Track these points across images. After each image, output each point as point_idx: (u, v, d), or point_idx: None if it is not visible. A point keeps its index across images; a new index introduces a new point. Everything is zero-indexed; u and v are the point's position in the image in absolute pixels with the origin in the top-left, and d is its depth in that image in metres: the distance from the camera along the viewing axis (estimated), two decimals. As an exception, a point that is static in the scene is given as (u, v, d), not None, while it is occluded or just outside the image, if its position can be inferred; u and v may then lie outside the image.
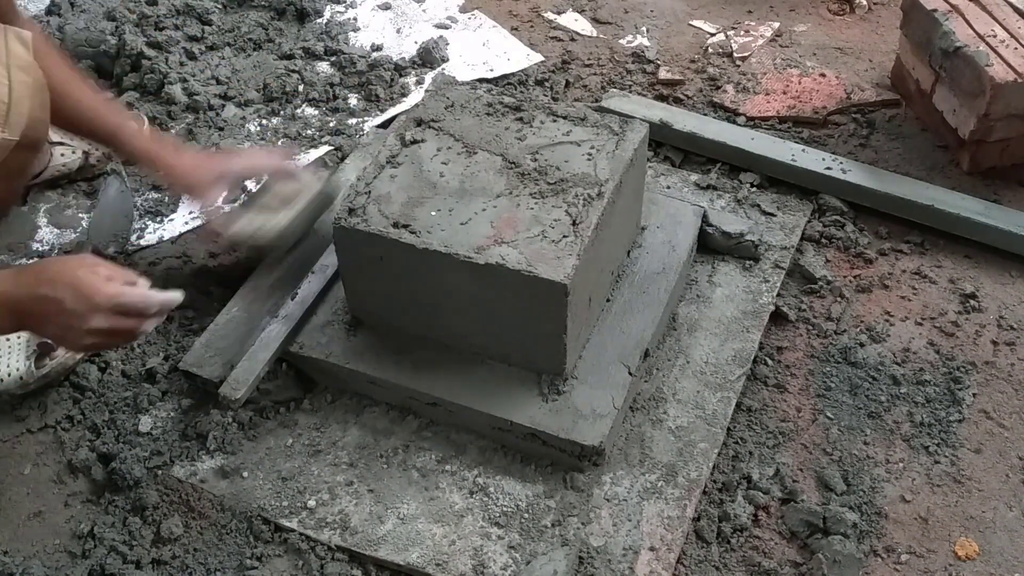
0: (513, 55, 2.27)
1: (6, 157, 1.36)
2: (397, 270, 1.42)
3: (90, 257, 1.38)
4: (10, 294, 1.26)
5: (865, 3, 2.42)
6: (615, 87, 2.16)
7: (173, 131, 2.08)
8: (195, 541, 1.42)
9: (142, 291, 1.31)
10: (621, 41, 2.33)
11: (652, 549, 1.37)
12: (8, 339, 1.58)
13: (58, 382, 1.60)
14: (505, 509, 1.42)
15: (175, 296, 1.33)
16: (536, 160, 1.47)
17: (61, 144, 1.90)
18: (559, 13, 2.43)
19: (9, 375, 1.56)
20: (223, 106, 2.14)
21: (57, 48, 1.60)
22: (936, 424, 1.54)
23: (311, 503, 1.44)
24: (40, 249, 1.85)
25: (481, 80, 2.19)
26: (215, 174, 1.62)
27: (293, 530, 1.41)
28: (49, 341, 1.54)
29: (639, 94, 2.14)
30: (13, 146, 1.35)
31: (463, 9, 2.44)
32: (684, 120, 2.00)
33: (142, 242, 1.86)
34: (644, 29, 2.36)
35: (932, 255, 1.81)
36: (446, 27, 2.38)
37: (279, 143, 2.06)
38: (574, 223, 1.38)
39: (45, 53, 1.47)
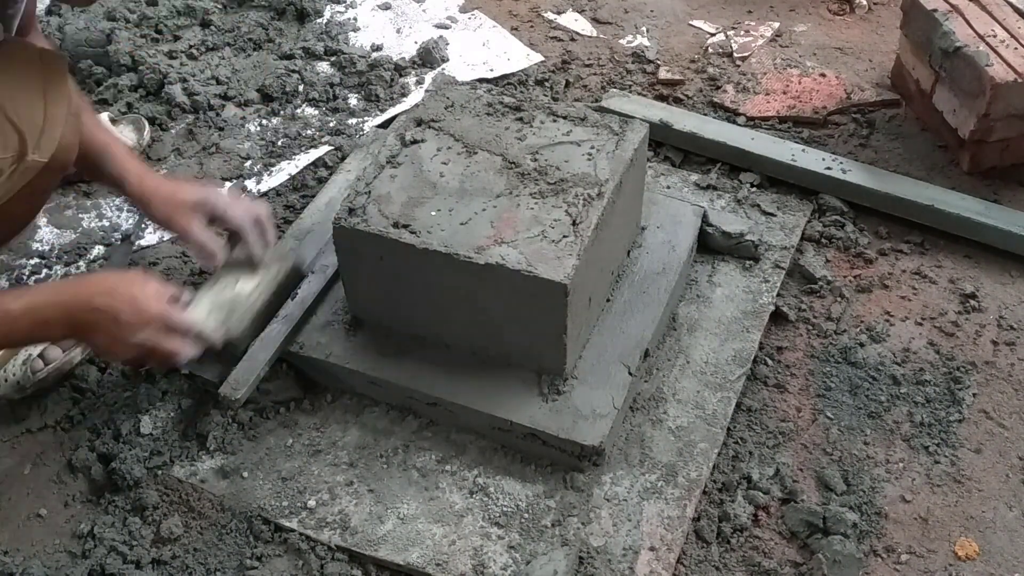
0: (513, 55, 2.27)
1: (32, 178, 1.34)
2: (397, 270, 1.42)
3: (141, 274, 1.44)
4: (69, 303, 1.34)
5: (865, 3, 2.42)
6: (615, 87, 2.16)
7: (173, 131, 2.08)
8: (195, 541, 1.42)
9: (186, 316, 1.42)
10: (621, 41, 2.33)
11: (652, 549, 1.37)
12: None
13: (55, 388, 1.60)
14: (505, 509, 1.42)
15: (214, 335, 1.45)
16: (536, 160, 1.47)
17: None
18: (559, 13, 2.43)
19: (6, 380, 1.56)
20: (223, 106, 2.14)
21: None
22: (936, 424, 1.54)
23: (311, 503, 1.44)
24: (40, 249, 1.85)
25: (481, 80, 2.19)
26: (192, 203, 1.54)
27: (293, 530, 1.41)
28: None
29: (639, 94, 2.14)
30: (41, 168, 1.34)
31: (463, 9, 2.44)
32: (684, 120, 2.00)
33: (142, 242, 1.86)
34: (644, 29, 2.36)
35: (932, 255, 1.81)
36: (446, 27, 2.38)
37: (279, 143, 2.06)
38: (574, 223, 1.38)
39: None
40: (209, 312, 1.48)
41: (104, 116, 1.99)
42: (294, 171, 1.99)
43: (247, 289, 1.51)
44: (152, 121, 2.08)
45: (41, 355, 1.57)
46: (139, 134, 2.00)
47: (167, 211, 1.54)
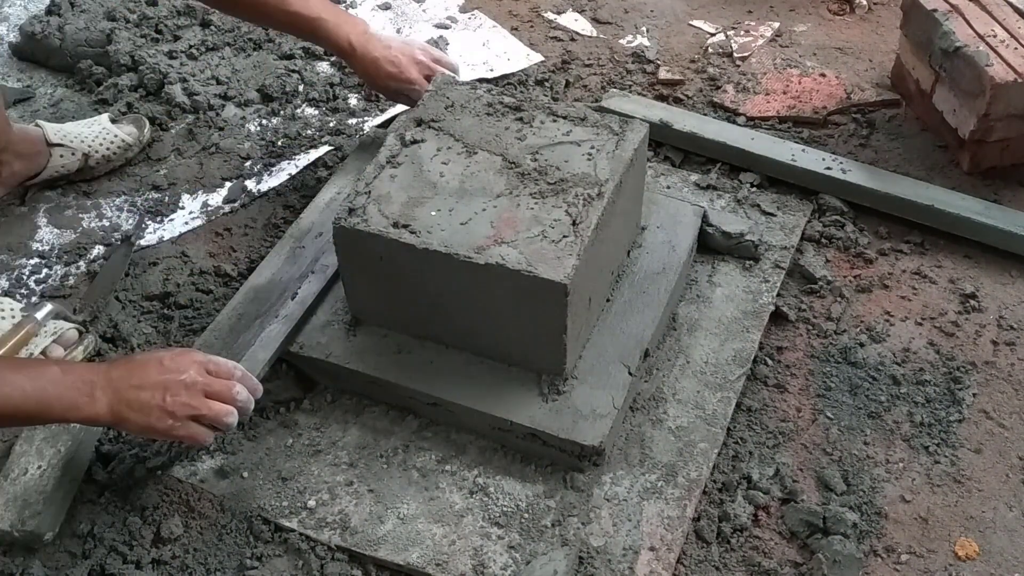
0: (513, 55, 2.27)
1: None
2: (397, 270, 1.42)
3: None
4: (107, 371, 1.30)
5: (865, 3, 2.42)
6: (615, 87, 2.16)
7: (173, 131, 2.08)
8: (195, 541, 1.42)
9: (227, 361, 1.37)
10: (621, 41, 2.33)
11: (652, 549, 1.37)
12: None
13: None
14: (505, 509, 1.42)
15: (255, 384, 1.39)
16: (536, 160, 1.47)
17: (60, 146, 1.90)
18: (559, 13, 2.43)
19: None
20: (223, 106, 2.14)
21: None
22: (936, 424, 1.54)
23: (311, 503, 1.44)
24: (40, 249, 1.85)
25: (481, 80, 2.18)
26: (415, 55, 1.73)
27: (293, 530, 1.41)
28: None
29: (639, 94, 2.14)
30: None
31: (463, 9, 2.44)
32: (684, 120, 2.00)
33: (142, 242, 1.86)
34: (644, 29, 2.36)
35: (932, 255, 1.81)
36: (446, 27, 2.38)
37: (279, 143, 2.06)
38: (574, 223, 1.38)
39: None
40: None
41: (104, 116, 1.99)
42: (294, 171, 1.99)
43: None
44: (152, 121, 2.08)
45: (43, 353, 1.57)
46: (140, 131, 2.01)
47: (391, 73, 1.72)
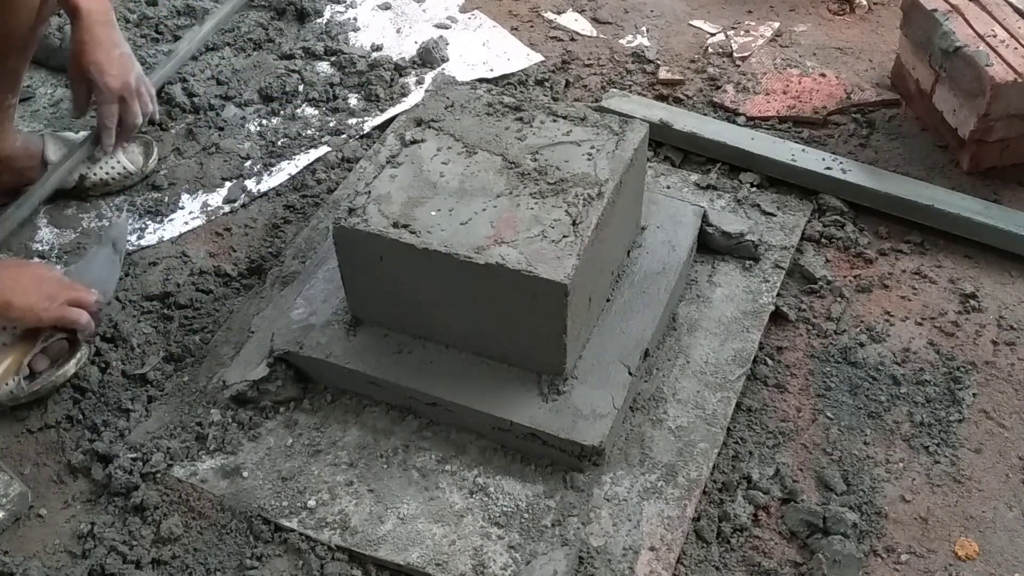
0: (513, 55, 2.27)
1: None
2: (397, 270, 1.42)
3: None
4: None
5: (865, 3, 2.42)
6: (615, 87, 2.16)
7: (173, 131, 2.08)
8: (195, 541, 1.42)
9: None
10: (621, 41, 2.33)
11: (652, 549, 1.37)
12: (3, 351, 1.57)
13: (48, 396, 1.59)
14: (505, 509, 1.42)
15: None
16: (536, 160, 1.47)
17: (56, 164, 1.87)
18: (559, 13, 2.43)
19: (6, 384, 1.55)
20: (223, 106, 2.14)
21: None
22: (936, 424, 1.54)
23: (311, 503, 1.44)
24: (40, 249, 1.85)
25: (481, 80, 2.19)
26: (88, 67, 1.65)
27: (293, 530, 1.41)
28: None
29: (639, 94, 2.14)
30: None
31: (463, 9, 2.44)
32: (684, 120, 2.00)
33: (142, 242, 1.86)
34: (644, 29, 2.36)
35: (932, 255, 1.81)
36: (446, 27, 2.38)
37: (279, 143, 2.06)
38: (574, 223, 1.38)
39: None
40: None
41: None
42: (294, 171, 1.99)
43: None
44: (152, 121, 2.07)
45: (29, 364, 1.56)
46: (145, 159, 1.97)
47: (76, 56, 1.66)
